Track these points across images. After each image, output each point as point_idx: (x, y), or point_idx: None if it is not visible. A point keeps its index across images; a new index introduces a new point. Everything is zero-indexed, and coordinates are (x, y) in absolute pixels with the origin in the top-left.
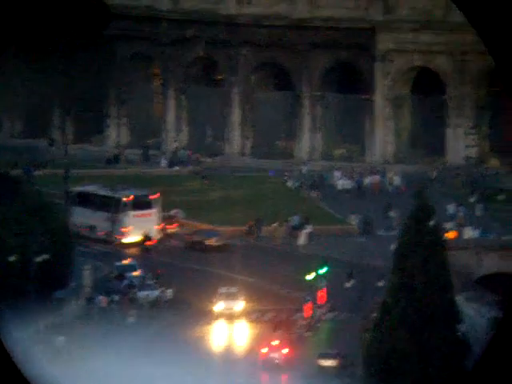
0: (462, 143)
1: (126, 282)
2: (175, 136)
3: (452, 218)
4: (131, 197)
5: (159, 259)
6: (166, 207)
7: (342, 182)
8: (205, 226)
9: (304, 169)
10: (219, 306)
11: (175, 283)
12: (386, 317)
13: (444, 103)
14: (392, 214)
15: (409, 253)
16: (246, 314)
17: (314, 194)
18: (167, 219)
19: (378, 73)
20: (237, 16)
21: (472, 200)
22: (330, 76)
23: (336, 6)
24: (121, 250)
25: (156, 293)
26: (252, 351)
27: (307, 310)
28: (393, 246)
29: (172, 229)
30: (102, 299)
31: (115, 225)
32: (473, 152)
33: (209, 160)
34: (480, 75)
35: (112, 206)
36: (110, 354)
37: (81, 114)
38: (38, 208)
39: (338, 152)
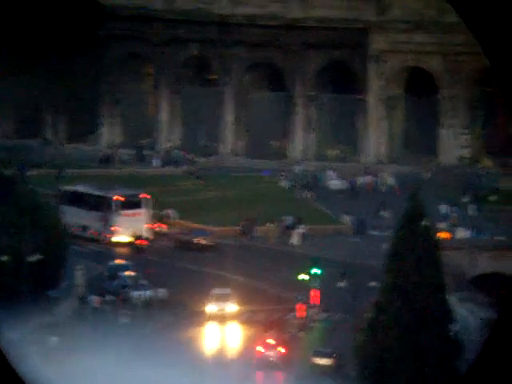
0: (455, 143)
1: (118, 281)
2: (168, 136)
3: (445, 218)
4: (121, 196)
5: (151, 258)
6: (159, 207)
7: (334, 182)
8: (197, 226)
9: (298, 169)
10: (211, 308)
11: (168, 283)
12: (380, 317)
13: (437, 103)
14: (385, 214)
15: (402, 253)
16: (239, 314)
17: (307, 194)
18: (160, 219)
19: (372, 73)
20: (230, 16)
21: (465, 200)
22: (323, 76)
23: (330, 6)
24: (111, 249)
25: (149, 293)
26: (245, 351)
27: (300, 309)
28: (386, 246)
29: (162, 228)
30: (95, 299)
31: (105, 224)
32: (466, 152)
33: (202, 160)
34: (473, 75)
35: (102, 206)
36: (102, 354)
37: (74, 114)
38: (31, 208)
39: (331, 152)
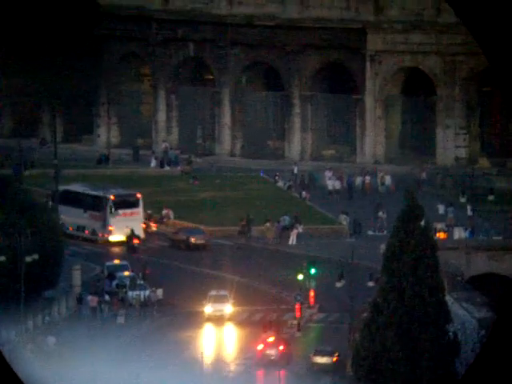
0: (452, 144)
1: (115, 281)
2: (165, 136)
3: (442, 218)
4: (117, 196)
5: (147, 258)
6: (156, 207)
7: (331, 183)
8: (191, 225)
9: (295, 169)
10: (208, 310)
11: (164, 283)
12: (377, 317)
13: (434, 103)
14: (381, 214)
15: (398, 253)
16: (236, 315)
17: (304, 194)
18: (159, 219)
19: (369, 73)
20: (227, 16)
21: (462, 200)
22: (320, 76)
23: (326, 6)
24: (107, 248)
25: (146, 293)
26: (242, 352)
27: (298, 310)
28: (383, 246)
29: (154, 228)
30: (92, 299)
31: (101, 223)
32: (463, 152)
33: (199, 160)
34: (470, 75)
35: (98, 205)
36: (99, 354)
37: (71, 114)
38: (27, 208)
39: (328, 152)
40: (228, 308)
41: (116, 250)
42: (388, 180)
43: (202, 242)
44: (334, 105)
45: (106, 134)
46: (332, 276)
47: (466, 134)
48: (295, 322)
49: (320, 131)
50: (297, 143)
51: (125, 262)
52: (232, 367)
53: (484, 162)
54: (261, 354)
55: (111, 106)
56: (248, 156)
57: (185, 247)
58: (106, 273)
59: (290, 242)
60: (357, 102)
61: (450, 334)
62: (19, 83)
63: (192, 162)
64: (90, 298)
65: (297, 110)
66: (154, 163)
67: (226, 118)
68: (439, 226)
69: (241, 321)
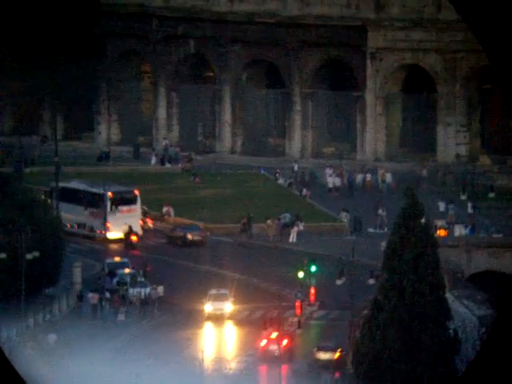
0: (452, 141)
1: (116, 279)
2: (166, 133)
3: (442, 215)
4: (115, 192)
5: (146, 255)
6: (156, 205)
7: (332, 180)
8: (189, 222)
9: (295, 166)
10: (208, 308)
11: (164, 280)
12: (377, 315)
13: (435, 101)
14: (381, 211)
15: (399, 251)
16: (236, 313)
17: (304, 191)
18: (160, 216)
19: (369, 71)
20: (228, 13)
21: (463, 198)
22: (321, 73)
23: (327, 3)
24: (105, 245)
25: (147, 290)
26: (243, 349)
27: (298, 307)
28: (383, 244)
29: (151, 224)
30: (93, 296)
31: (99, 220)
32: (463, 150)
33: (200, 158)
34: (471, 73)
35: (96, 202)
36: (100, 352)
37: (71, 112)
38: (27, 205)
39: (328, 149)
40: (228, 306)
41: (114, 246)
42: (389, 178)
43: (199, 238)
44: (335, 102)
45: (107, 132)
46: (332, 273)
47: (466, 131)
48: (296, 319)
49: (320, 128)
50: (297, 140)
51: (125, 260)
52: (232, 365)
53: (485, 160)
54: (264, 350)
55: (112, 103)
56: (248, 153)
57: (182, 243)
58: (106, 270)
59: (291, 240)
60: (357, 100)
61: (451, 331)
62: (20, 81)
63: (192, 159)
64: (90, 295)
65: (297, 107)
66: (154, 160)
67: (227, 116)
68: (440, 223)
69: (241, 319)
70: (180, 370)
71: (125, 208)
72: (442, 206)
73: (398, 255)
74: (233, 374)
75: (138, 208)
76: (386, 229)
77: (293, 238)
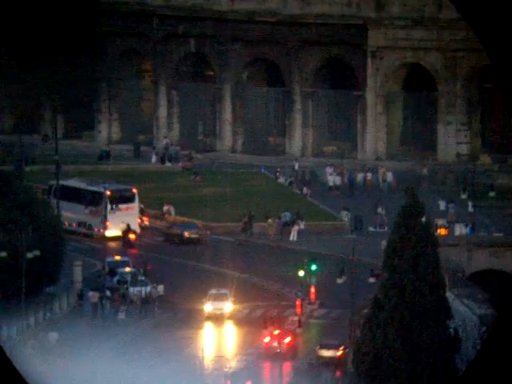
0: (453, 140)
1: (117, 277)
2: (166, 132)
3: (443, 214)
4: (114, 191)
5: (144, 254)
6: (157, 203)
7: (332, 179)
8: (187, 220)
9: (296, 165)
10: (208, 307)
11: (164, 279)
12: (377, 313)
13: (435, 100)
14: (380, 210)
15: (399, 250)
16: (236, 312)
17: (305, 190)
18: (161, 215)
19: (370, 69)
20: (228, 12)
21: (463, 197)
22: (321, 72)
23: (328, 2)
24: (105, 243)
25: (147, 289)
26: (243, 348)
27: (298, 306)
28: (384, 243)
29: (147, 222)
30: (93, 295)
31: (97, 218)
32: (464, 149)
33: (200, 156)
34: (471, 72)
35: (95, 200)
36: (101, 350)
37: (72, 110)
38: (28, 204)
39: (329, 148)
40: (228, 306)
41: (112, 244)
42: (390, 177)
43: (196, 236)
44: (335, 101)
45: (107, 130)
46: (333, 272)
47: (467, 130)
48: (296, 318)
49: (321, 127)
50: (298, 139)
51: (126, 258)
52: (233, 363)
53: (485, 159)
54: (267, 347)
55: (112, 102)
56: (249, 152)
57: (179, 241)
58: (107, 269)
59: (291, 238)
60: (358, 98)
61: (451, 330)
62: (20, 80)
63: (193, 158)
64: (91, 293)
65: (298, 106)
66: (154, 159)
67: (227, 114)
68: (440, 222)
69: (241, 318)
70: (180, 369)
71: (123, 206)
72: (442, 204)
73: (399, 254)
74: (232, 373)
75: (136, 206)
76: (386, 228)
77: (293, 236)
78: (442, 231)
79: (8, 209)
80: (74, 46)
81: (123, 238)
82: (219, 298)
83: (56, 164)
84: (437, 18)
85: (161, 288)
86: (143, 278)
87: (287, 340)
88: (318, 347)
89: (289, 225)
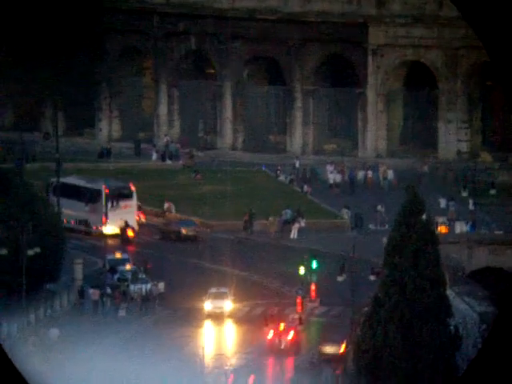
0: (454, 137)
1: (117, 275)
2: (167, 130)
3: (443, 212)
4: (112, 188)
5: (142, 251)
6: (157, 201)
7: (333, 177)
8: (184, 217)
9: (296, 163)
10: (208, 306)
11: (164, 276)
12: (378, 311)
13: (436, 97)
14: (380, 208)
15: (400, 247)
16: (236, 311)
17: (306, 188)
18: (161, 212)
19: (371, 67)
20: (229, 10)
21: (464, 194)
22: (322, 70)
23: (329, 0)
24: (104, 241)
25: (148, 286)
26: (243, 346)
27: (299, 304)
28: (384, 240)
29: (143, 219)
30: (94, 292)
31: (95, 215)
32: (465, 146)
33: (201, 154)
34: (472, 69)
35: (93, 197)
36: (101, 348)
37: (72, 108)
38: (28, 201)
39: (329, 146)
40: (228, 305)
41: (111, 242)
42: (390, 174)
43: (193, 233)
44: (336, 99)
45: (108, 128)
46: (333, 270)
47: (467, 128)
48: (297, 316)
49: (322, 125)
50: (298, 137)
51: (126, 256)
52: (233, 361)
53: (486, 156)
54: (270, 343)
55: (113, 99)
56: (250, 150)
57: (175, 238)
58: (107, 266)
59: (292, 236)
60: (359, 96)
61: (451, 327)
62: (21, 77)
63: (194, 155)
64: (91, 291)
65: (298, 103)
66: (155, 157)
67: (228, 112)
68: (441, 219)
69: (241, 316)
70: (181, 367)
71: (121, 203)
72: (442, 202)
73: (399, 252)
74: (234, 370)
75: (134, 203)
76: (386, 225)
77: (294, 234)
78: (442, 229)
79: (8, 206)
80: (74, 44)
81: (121, 235)
82: (219, 296)
83: (57, 162)
84: (437, 15)
85: (161, 285)
86: (144, 276)
87: (290, 335)
88: (320, 344)
89: (289, 223)
